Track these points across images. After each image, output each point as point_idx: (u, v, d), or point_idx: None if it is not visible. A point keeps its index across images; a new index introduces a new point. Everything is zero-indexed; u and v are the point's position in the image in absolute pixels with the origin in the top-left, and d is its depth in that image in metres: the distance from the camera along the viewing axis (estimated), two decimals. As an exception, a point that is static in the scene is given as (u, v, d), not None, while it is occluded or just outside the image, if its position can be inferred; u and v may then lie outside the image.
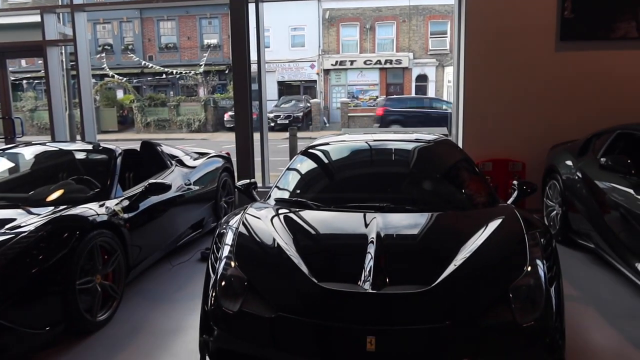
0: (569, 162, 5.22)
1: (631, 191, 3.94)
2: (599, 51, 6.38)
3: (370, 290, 2.41)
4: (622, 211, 3.99)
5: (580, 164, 5.00)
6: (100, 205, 3.82)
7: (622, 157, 4.14)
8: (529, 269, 2.53)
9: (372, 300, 2.39)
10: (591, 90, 6.39)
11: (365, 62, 30.17)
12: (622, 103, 6.23)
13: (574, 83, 6.43)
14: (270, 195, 3.71)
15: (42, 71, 8.39)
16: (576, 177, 4.96)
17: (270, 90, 27.89)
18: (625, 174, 4.06)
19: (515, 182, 3.78)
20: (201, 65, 29.67)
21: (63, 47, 8.82)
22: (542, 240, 2.80)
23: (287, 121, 23.86)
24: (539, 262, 2.60)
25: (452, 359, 2.27)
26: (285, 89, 31.13)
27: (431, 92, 29.62)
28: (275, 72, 30.13)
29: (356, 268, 2.56)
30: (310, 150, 4.22)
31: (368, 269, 2.52)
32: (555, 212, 5.39)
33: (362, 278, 2.49)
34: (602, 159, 4.43)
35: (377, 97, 28.56)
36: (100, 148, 4.79)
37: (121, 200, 4.09)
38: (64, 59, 8.99)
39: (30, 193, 4.10)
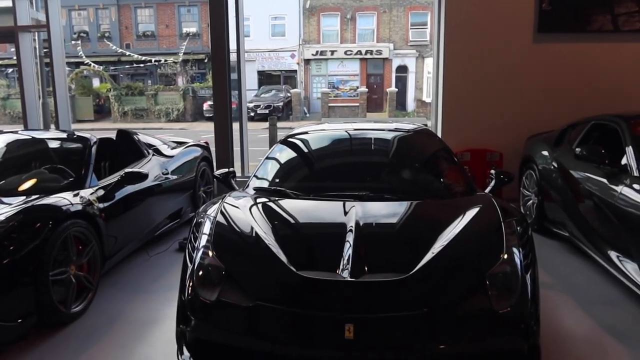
0: (545, 152, 5.29)
1: (605, 181, 4.01)
2: (576, 43, 6.47)
3: (349, 279, 2.41)
4: (596, 200, 4.06)
5: (556, 154, 5.07)
6: (75, 195, 3.74)
7: (596, 147, 4.21)
8: (506, 256, 2.56)
9: (351, 288, 2.39)
10: (568, 82, 6.49)
11: (345, 53, 30.10)
12: (597, 94, 6.34)
13: (550, 74, 6.51)
14: (248, 185, 3.68)
15: (14, 58, 8.16)
16: (552, 167, 5.03)
17: (250, 80, 27.64)
18: (599, 163, 4.13)
19: (492, 171, 3.81)
20: (180, 54, 29.26)
21: (36, 33, 8.58)
22: (518, 228, 2.83)
23: (267, 111, 23.75)
24: (515, 250, 2.62)
25: (430, 345, 2.29)
26: (266, 78, 30.90)
27: (411, 83, 29.73)
28: (255, 62, 29.87)
29: (335, 256, 2.55)
30: (289, 140, 4.19)
31: (347, 258, 2.52)
32: (531, 201, 5.47)
33: (341, 266, 2.48)
34: (577, 149, 4.49)
35: (357, 87, 28.56)
36: (75, 136, 4.68)
37: (96, 190, 4.01)
38: (37, 46, 8.75)
39: (1, 182, 3.99)
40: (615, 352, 3.03)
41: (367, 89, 27.69)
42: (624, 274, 3.62)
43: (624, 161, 3.96)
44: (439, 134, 6.73)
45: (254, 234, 2.79)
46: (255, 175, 3.81)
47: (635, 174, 3.76)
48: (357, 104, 26.49)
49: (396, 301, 2.37)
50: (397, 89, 27.89)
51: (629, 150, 3.96)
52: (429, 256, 2.54)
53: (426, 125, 6.40)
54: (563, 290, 3.89)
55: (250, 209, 3.11)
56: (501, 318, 2.33)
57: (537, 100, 6.52)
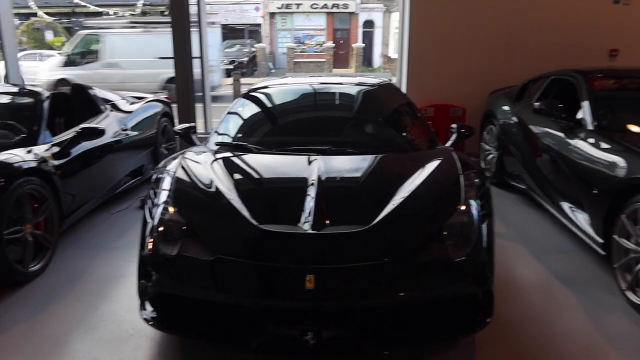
0: (506, 107, 5.37)
1: (561, 134, 4.12)
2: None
3: (310, 231, 2.44)
4: (552, 154, 4.18)
5: (516, 109, 5.16)
6: (28, 152, 3.60)
7: (553, 102, 4.29)
8: (463, 207, 2.62)
9: (312, 240, 2.42)
10: (531, 36, 6.53)
11: (312, 6, 29.36)
12: (560, 49, 6.41)
13: (515, 29, 6.54)
14: (210, 140, 3.62)
15: (-44, 7, 7.60)
16: (512, 122, 5.13)
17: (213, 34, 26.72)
18: (556, 117, 4.22)
19: (454, 125, 3.85)
20: (138, 4, 27.88)
21: (-22, -21, 7.98)
22: (476, 180, 2.90)
23: (231, 66, 23.14)
24: (472, 201, 2.69)
25: (389, 293, 2.35)
26: (229, 32, 29.94)
27: (378, 39, 29.39)
28: (218, 15, 28.79)
29: (297, 210, 2.56)
30: (251, 94, 4.12)
31: (308, 211, 2.54)
32: (491, 155, 5.59)
33: (303, 219, 2.50)
34: (535, 104, 4.57)
35: (323, 42, 28.05)
36: (26, 91, 4.46)
37: (51, 147, 3.87)
38: (-20, -6, 8.16)
39: (-52, 139, 3.80)
40: (564, 297, 3.20)
41: (334, 44, 27.24)
42: (575, 225, 3.78)
43: (579, 115, 4.06)
44: (404, 89, 6.73)
45: (214, 189, 2.77)
46: (216, 131, 3.74)
47: (590, 127, 3.87)
48: (324, 60, 26.10)
49: (357, 252, 2.41)
50: (364, 45, 27.55)
51: (585, 104, 4.06)
52: (389, 208, 2.58)
53: (391, 80, 6.37)
54: (518, 240, 4.05)
55: (211, 164, 3.07)
56: (457, 266, 2.41)
57: (501, 55, 6.57)
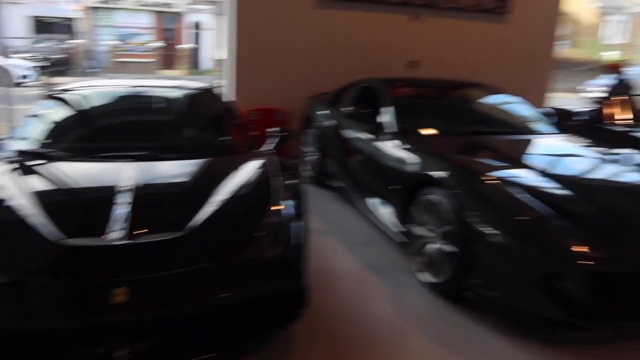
0: (323, 112, 5.77)
1: (367, 137, 4.58)
2: (354, 11, 7.10)
3: (124, 242, 2.34)
4: (360, 154, 4.64)
5: (332, 113, 5.57)
6: None
7: (359, 107, 4.76)
8: (276, 208, 2.77)
9: (122, 251, 2.33)
10: (347, 46, 7.10)
11: (136, 3, 27.73)
12: (372, 59, 7.07)
13: (331, 39, 7.04)
14: (6, 147, 3.24)
15: None
16: (327, 125, 5.53)
17: (20, 27, 23.74)
18: (362, 122, 4.68)
19: (271, 129, 4.00)
20: None
21: None
22: (290, 181, 3.08)
23: (47, 64, 20.79)
24: (285, 201, 2.85)
25: (207, 297, 2.35)
26: (41, 26, 26.81)
27: (208, 41, 28.95)
28: (24, 5, 25.57)
29: (108, 220, 2.44)
30: (58, 96, 3.80)
31: (122, 220, 2.43)
32: (312, 157, 5.94)
33: (115, 229, 2.39)
34: (347, 109, 5.00)
35: (148, 41, 26.70)
36: None
37: None
38: None
39: None
40: (373, 284, 3.57)
41: (164, 44, 26.14)
42: (380, 218, 4.22)
43: (382, 119, 4.53)
44: (233, 93, 6.79)
45: (7, 204, 2.49)
46: (15, 137, 3.37)
47: (391, 130, 4.36)
48: (151, 60, 24.88)
49: (173, 259, 2.38)
50: (194, 46, 26.91)
51: (387, 109, 4.56)
52: (205, 212, 2.60)
53: (212, 84, 6.39)
54: (334, 235, 4.38)
55: (5, 174, 2.76)
56: (271, 263, 2.53)
57: (322, 63, 7.00)
